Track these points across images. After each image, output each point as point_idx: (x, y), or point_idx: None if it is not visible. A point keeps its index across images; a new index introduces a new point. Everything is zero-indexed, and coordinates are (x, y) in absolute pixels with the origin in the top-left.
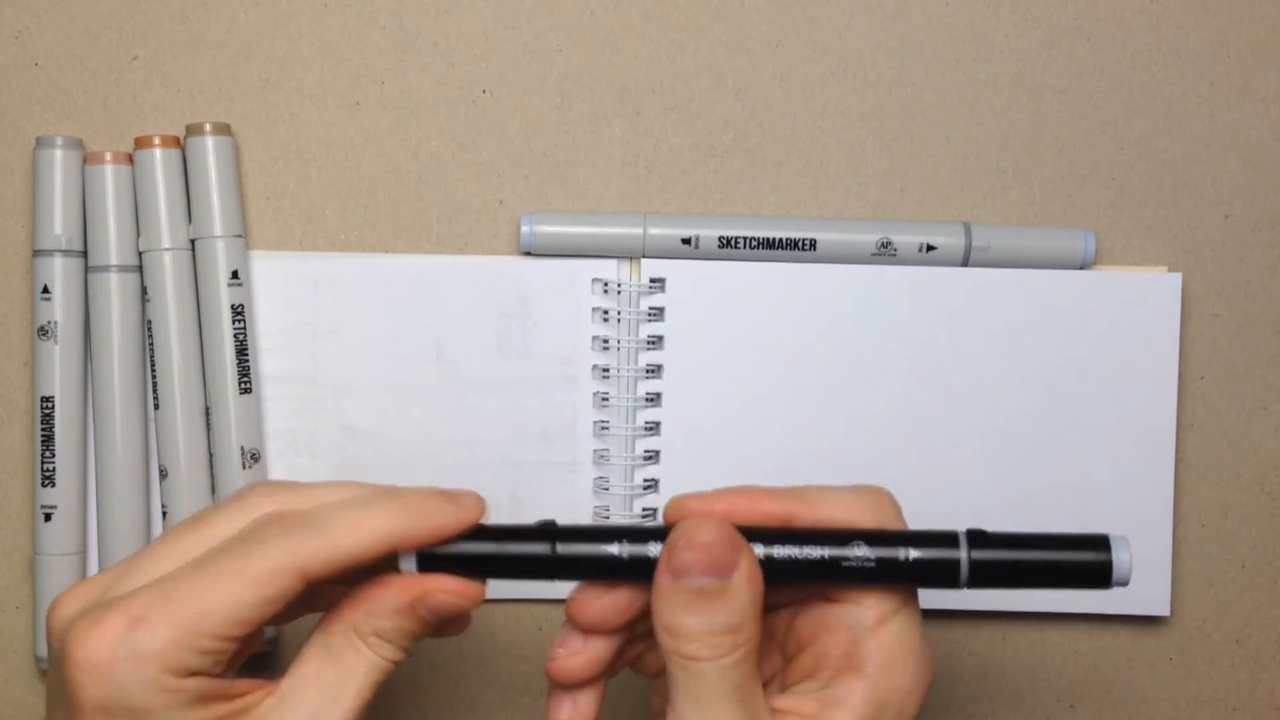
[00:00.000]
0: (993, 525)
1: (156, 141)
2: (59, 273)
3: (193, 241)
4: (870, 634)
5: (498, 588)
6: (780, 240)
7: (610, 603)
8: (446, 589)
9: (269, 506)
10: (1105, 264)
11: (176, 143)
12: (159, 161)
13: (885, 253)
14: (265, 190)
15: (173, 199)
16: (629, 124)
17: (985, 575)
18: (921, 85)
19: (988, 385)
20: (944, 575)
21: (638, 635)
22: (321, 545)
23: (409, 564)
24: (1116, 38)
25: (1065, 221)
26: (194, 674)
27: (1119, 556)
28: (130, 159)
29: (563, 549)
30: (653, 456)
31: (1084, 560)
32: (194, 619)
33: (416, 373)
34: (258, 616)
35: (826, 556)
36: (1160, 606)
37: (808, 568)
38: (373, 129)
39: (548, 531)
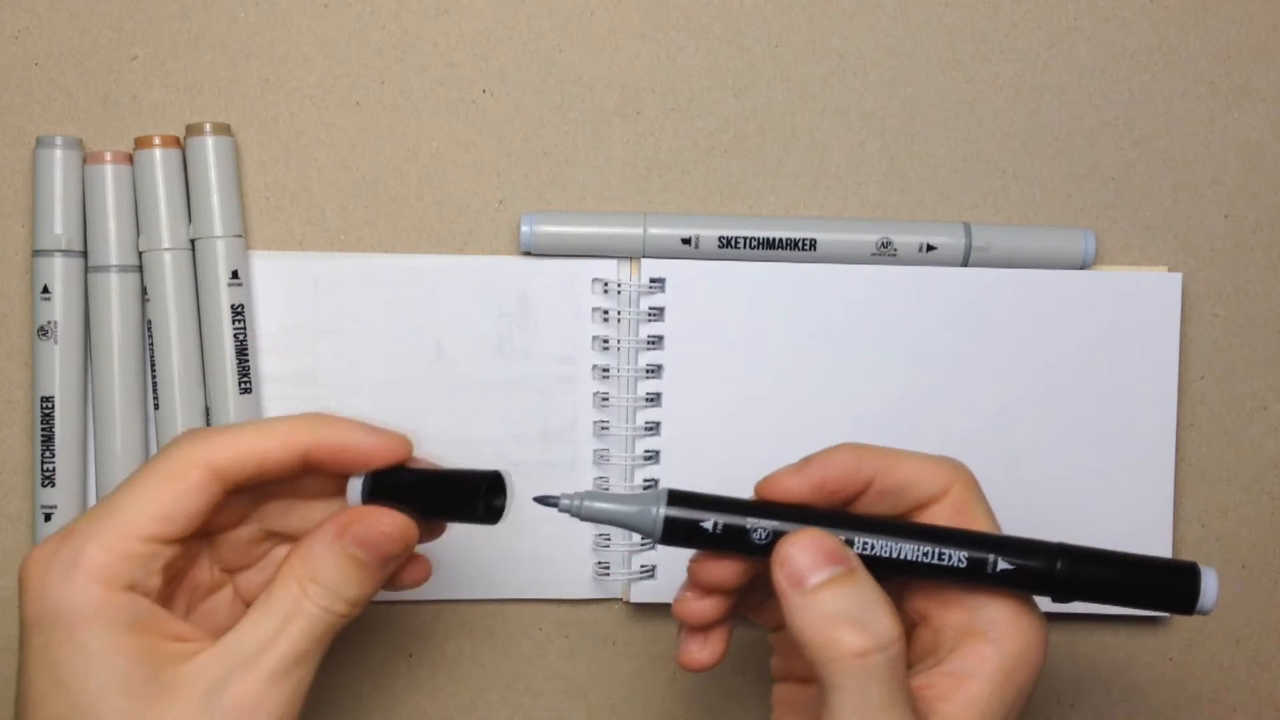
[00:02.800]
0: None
1: (156, 141)
2: (59, 273)
3: (193, 241)
4: (985, 601)
5: (496, 587)
6: (780, 240)
7: (724, 569)
8: (374, 521)
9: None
10: (1105, 264)
11: (176, 143)
12: (159, 161)
13: (885, 253)
14: (265, 190)
15: (173, 199)
16: (629, 124)
17: (1074, 589)
18: (921, 85)
19: (988, 385)
20: (1034, 584)
21: (755, 588)
22: (228, 440)
23: (355, 495)
24: (1116, 38)
25: (1065, 221)
26: (128, 589)
27: (1206, 586)
28: (130, 159)
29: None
30: (653, 456)
31: (1170, 585)
32: (115, 524)
33: (416, 373)
34: (178, 513)
35: (923, 555)
36: None
37: (902, 566)
38: (373, 129)
39: (486, 474)
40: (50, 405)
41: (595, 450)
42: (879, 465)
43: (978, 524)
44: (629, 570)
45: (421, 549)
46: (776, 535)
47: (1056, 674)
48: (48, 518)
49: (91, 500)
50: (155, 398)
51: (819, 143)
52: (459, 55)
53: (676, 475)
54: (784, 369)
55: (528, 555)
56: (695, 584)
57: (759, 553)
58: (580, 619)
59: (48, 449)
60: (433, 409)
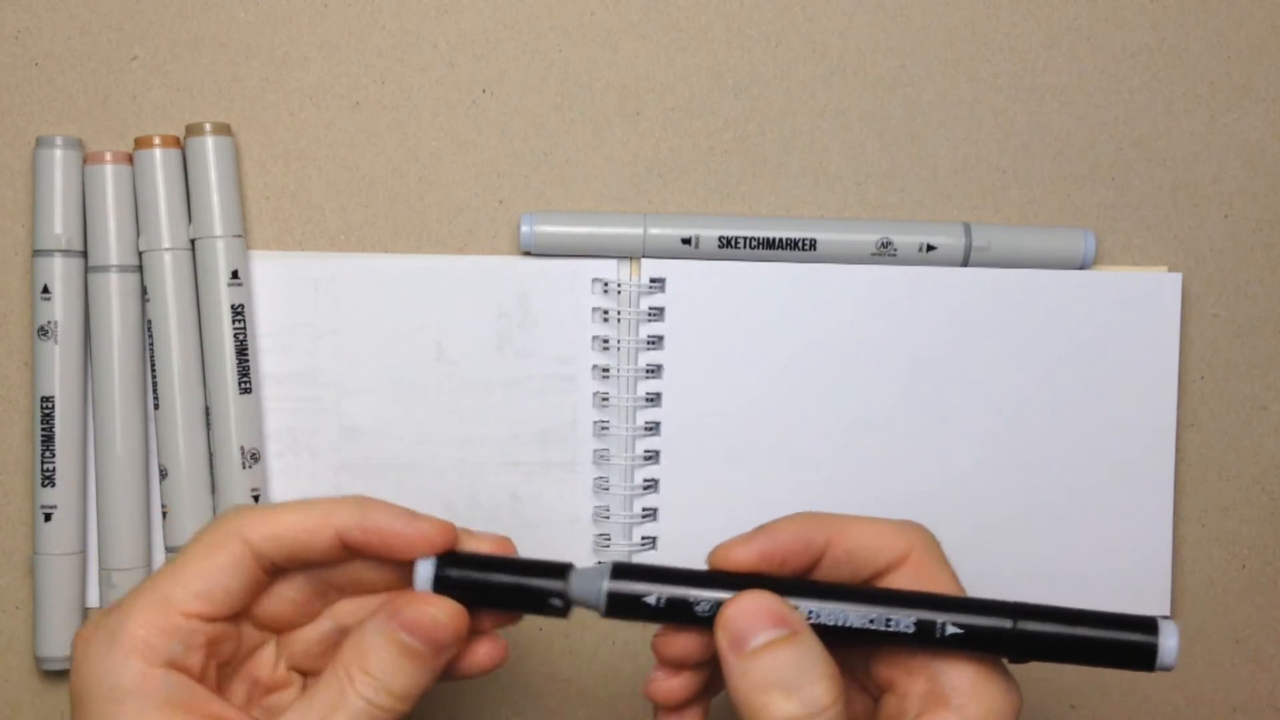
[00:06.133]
0: (990, 528)
1: (156, 141)
2: (59, 273)
3: (193, 241)
4: (948, 666)
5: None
6: (780, 240)
7: (689, 643)
8: (426, 606)
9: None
10: (1105, 264)
11: (176, 143)
12: (159, 161)
13: (885, 253)
14: (265, 190)
15: (173, 199)
16: (629, 124)
17: (1029, 649)
18: (921, 85)
19: (988, 385)
20: (989, 645)
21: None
22: (264, 516)
23: (422, 581)
24: (1116, 38)
25: (1065, 221)
26: (167, 665)
27: (1165, 642)
28: (130, 159)
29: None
30: (653, 456)
31: (1129, 641)
32: (155, 598)
33: (416, 373)
34: (214, 588)
35: (870, 622)
36: (1160, 606)
37: (852, 633)
38: (373, 129)
39: (558, 567)
40: (50, 405)
41: (595, 450)
42: (831, 533)
43: (939, 587)
44: None
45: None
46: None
47: (1057, 673)
48: (48, 518)
49: (91, 500)
50: (155, 398)
51: (819, 143)
52: (459, 55)
53: (677, 475)
54: (784, 369)
55: (527, 555)
56: (663, 661)
57: (706, 625)
58: (580, 619)
59: (48, 449)
60: (433, 409)
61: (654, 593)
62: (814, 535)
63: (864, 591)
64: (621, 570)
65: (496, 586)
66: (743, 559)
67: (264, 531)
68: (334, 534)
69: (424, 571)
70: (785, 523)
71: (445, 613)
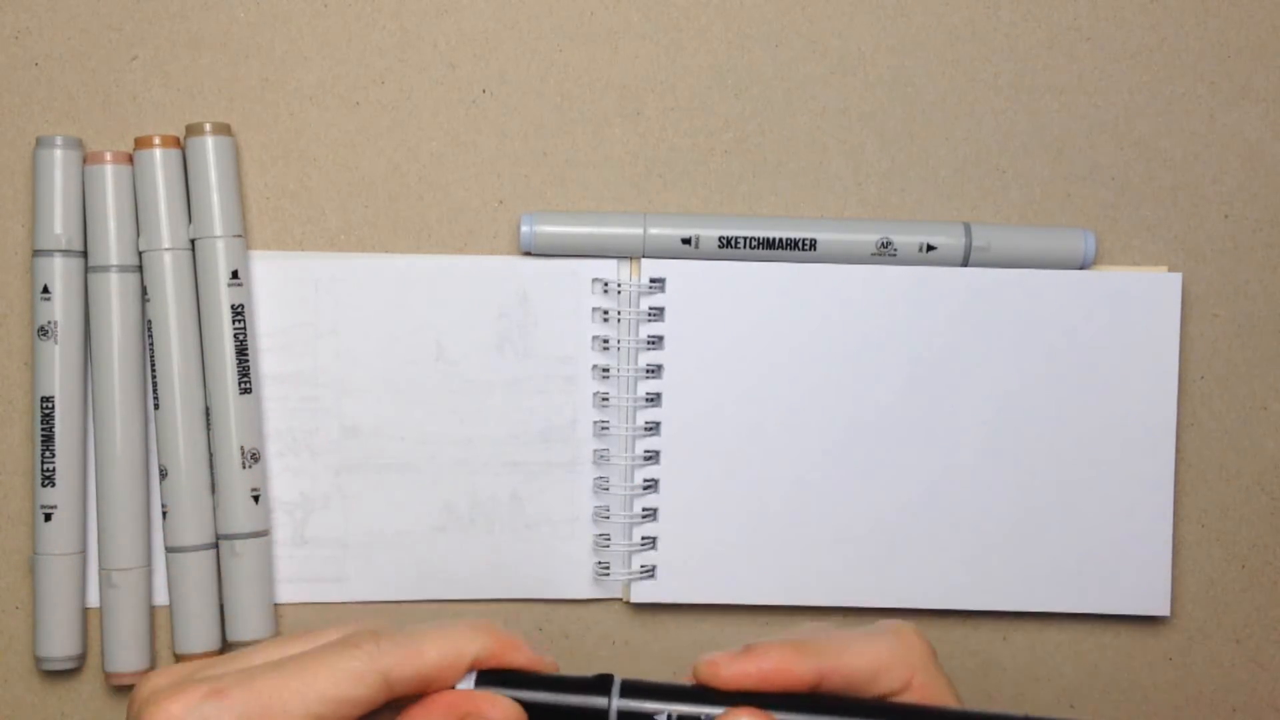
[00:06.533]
0: (990, 528)
1: (156, 141)
2: (59, 273)
3: (193, 241)
4: None
5: (497, 587)
6: (780, 240)
7: None
8: (496, 710)
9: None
10: (1105, 264)
11: (176, 143)
12: (159, 161)
13: (885, 253)
14: (265, 190)
15: (173, 199)
16: (629, 124)
17: None
18: (921, 85)
19: (988, 385)
20: None
21: None
22: (408, 653)
23: (467, 682)
24: (1116, 38)
25: (1065, 221)
26: None
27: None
28: (130, 159)
29: (620, 704)
30: (653, 456)
31: None
32: (270, 701)
33: (416, 373)
34: (335, 714)
35: None
36: (1160, 606)
37: None
38: (373, 129)
39: (601, 683)
40: (50, 405)
41: (595, 450)
42: (823, 664)
43: (942, 702)
44: (629, 570)
45: None
46: None
47: (1058, 674)
48: (48, 518)
49: (91, 500)
50: (155, 398)
51: (819, 143)
52: (459, 55)
53: (677, 475)
54: (784, 369)
55: (528, 555)
56: None
57: None
58: (580, 619)
59: (48, 449)
60: (433, 409)
61: (665, 711)
62: (804, 667)
63: (874, 706)
64: (629, 688)
65: (537, 699)
66: (729, 678)
67: (410, 673)
68: (469, 664)
69: (467, 681)
70: (774, 649)
71: (509, 717)
